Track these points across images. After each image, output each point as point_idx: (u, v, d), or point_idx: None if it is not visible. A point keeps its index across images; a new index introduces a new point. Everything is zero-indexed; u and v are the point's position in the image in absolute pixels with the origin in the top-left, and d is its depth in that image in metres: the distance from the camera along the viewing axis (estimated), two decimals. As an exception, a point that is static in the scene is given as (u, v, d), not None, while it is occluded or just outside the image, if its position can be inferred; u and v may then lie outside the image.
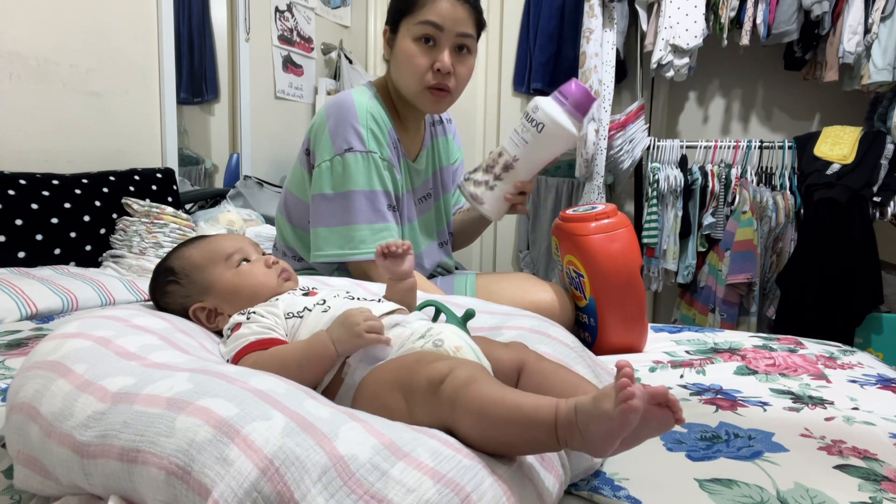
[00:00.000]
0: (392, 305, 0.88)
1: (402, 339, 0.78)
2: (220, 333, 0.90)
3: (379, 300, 0.90)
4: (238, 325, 0.84)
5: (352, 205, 1.28)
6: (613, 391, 0.56)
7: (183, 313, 0.92)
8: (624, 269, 1.23)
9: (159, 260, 1.03)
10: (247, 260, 0.93)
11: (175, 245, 1.86)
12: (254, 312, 0.85)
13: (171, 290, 0.92)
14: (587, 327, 1.30)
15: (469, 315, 0.91)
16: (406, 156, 1.42)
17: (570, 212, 1.33)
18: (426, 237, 1.50)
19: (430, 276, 1.52)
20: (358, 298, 0.88)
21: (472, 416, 0.63)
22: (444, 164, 1.55)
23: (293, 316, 0.85)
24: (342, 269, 1.38)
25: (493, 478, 0.60)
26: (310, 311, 0.85)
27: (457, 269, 1.66)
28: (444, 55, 1.28)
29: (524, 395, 0.64)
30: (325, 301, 0.86)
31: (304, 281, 1.04)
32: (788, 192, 2.63)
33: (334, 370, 0.77)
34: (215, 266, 0.92)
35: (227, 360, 0.81)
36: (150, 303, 0.98)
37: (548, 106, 1.20)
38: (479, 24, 1.34)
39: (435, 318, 0.95)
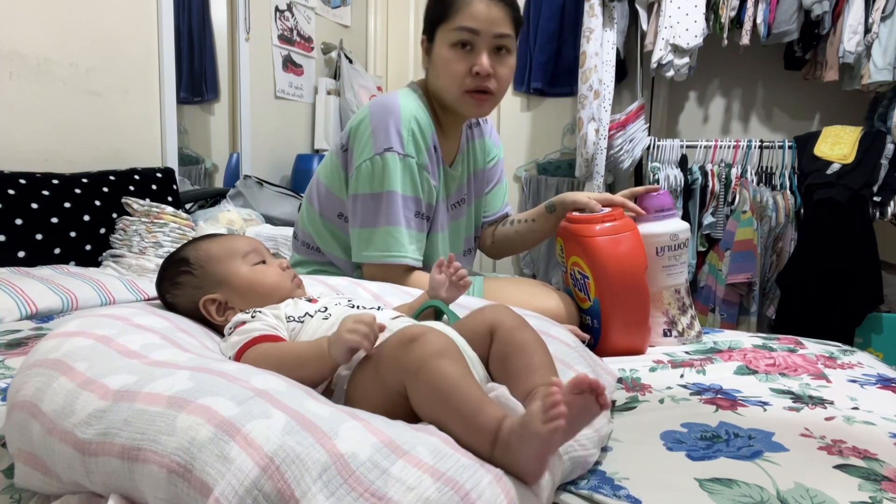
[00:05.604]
0: (393, 313, 0.89)
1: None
2: (220, 333, 0.90)
3: (379, 307, 0.90)
4: (242, 322, 0.84)
5: (390, 206, 1.27)
6: (540, 411, 0.59)
7: (188, 307, 0.91)
8: (629, 272, 1.23)
9: (161, 258, 1.03)
10: (263, 262, 0.94)
11: (175, 244, 1.88)
12: (259, 311, 0.86)
13: (182, 280, 0.92)
14: (590, 329, 1.30)
15: None
16: (444, 162, 1.40)
17: (575, 213, 1.34)
18: (452, 247, 1.49)
19: None
20: (358, 307, 0.89)
21: (431, 392, 0.65)
22: (480, 167, 1.53)
23: (294, 320, 0.86)
24: (360, 268, 1.38)
25: (492, 476, 0.60)
26: (311, 316, 0.86)
27: None
28: (481, 58, 1.27)
29: (482, 393, 0.66)
30: (326, 308, 0.87)
31: (309, 287, 1.05)
32: (788, 192, 2.63)
33: (326, 380, 0.78)
34: (233, 260, 0.92)
35: (230, 355, 0.82)
36: (151, 302, 0.98)
37: (680, 224, 1.32)
38: (517, 22, 1.32)
39: (438, 319, 0.95)
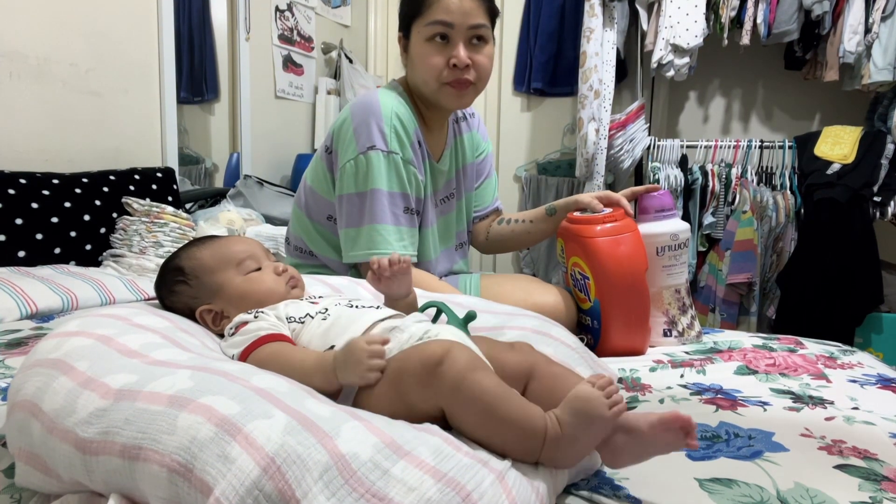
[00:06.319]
0: (390, 311, 0.88)
1: (401, 343, 0.78)
2: (221, 334, 0.90)
3: (378, 307, 0.90)
4: (245, 323, 0.84)
5: (375, 203, 1.27)
6: (596, 395, 0.63)
7: (187, 313, 0.92)
8: (629, 273, 1.23)
9: (165, 257, 1.03)
10: (258, 268, 0.94)
11: (175, 244, 1.87)
12: (262, 312, 0.86)
13: (179, 289, 0.93)
14: (589, 329, 1.30)
15: (470, 317, 0.91)
16: (430, 157, 1.40)
17: (576, 214, 1.34)
18: (442, 242, 1.48)
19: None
20: (357, 307, 0.88)
21: (475, 408, 0.65)
22: (469, 161, 1.53)
23: (294, 321, 0.85)
24: (355, 268, 1.38)
25: (493, 476, 0.60)
26: (312, 318, 0.86)
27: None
28: (458, 50, 1.27)
29: (519, 397, 0.66)
30: (326, 310, 0.87)
31: (310, 286, 1.05)
32: (789, 192, 2.63)
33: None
34: (226, 270, 0.92)
35: (233, 354, 0.82)
36: (151, 302, 0.98)
37: (680, 224, 1.32)
38: (492, 12, 1.32)
39: (436, 319, 0.95)
